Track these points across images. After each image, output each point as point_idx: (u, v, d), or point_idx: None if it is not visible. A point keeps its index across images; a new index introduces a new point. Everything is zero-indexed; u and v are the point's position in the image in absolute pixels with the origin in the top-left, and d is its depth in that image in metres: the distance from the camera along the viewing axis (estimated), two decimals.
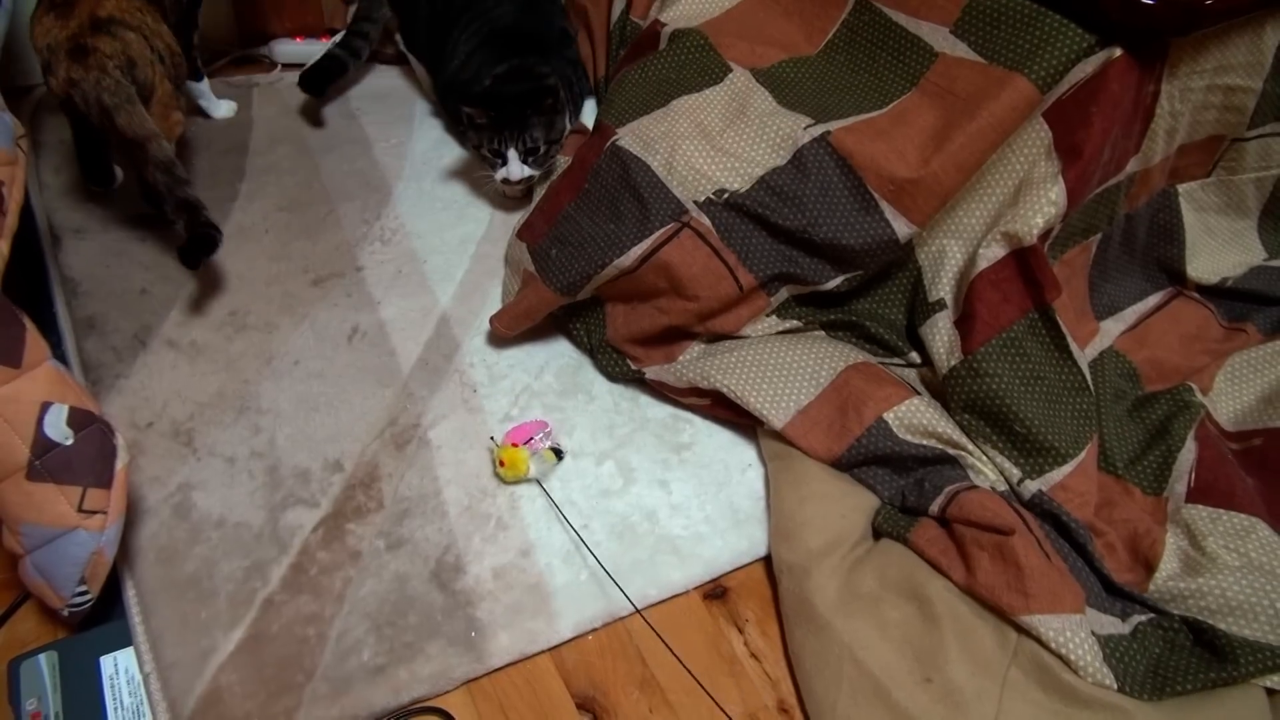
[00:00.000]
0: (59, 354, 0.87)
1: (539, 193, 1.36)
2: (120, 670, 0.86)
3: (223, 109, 1.52)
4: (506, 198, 1.44)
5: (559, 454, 1.08)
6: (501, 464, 1.04)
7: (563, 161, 1.37)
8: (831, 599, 0.92)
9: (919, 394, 1.08)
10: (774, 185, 1.10)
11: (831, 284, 1.14)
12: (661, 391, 1.17)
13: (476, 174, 1.44)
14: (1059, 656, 0.88)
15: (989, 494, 0.97)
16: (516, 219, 1.33)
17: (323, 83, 1.54)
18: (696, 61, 1.24)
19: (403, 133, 1.56)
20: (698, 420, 1.16)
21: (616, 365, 1.19)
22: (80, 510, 0.82)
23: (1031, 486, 1.01)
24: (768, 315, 1.17)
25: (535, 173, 1.34)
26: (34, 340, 0.82)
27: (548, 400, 1.16)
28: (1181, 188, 1.26)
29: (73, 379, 0.85)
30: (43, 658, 0.85)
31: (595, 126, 1.28)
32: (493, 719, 0.87)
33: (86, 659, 0.86)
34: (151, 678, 0.85)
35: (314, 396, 1.12)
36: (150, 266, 1.24)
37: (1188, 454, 1.07)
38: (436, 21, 1.49)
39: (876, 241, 1.09)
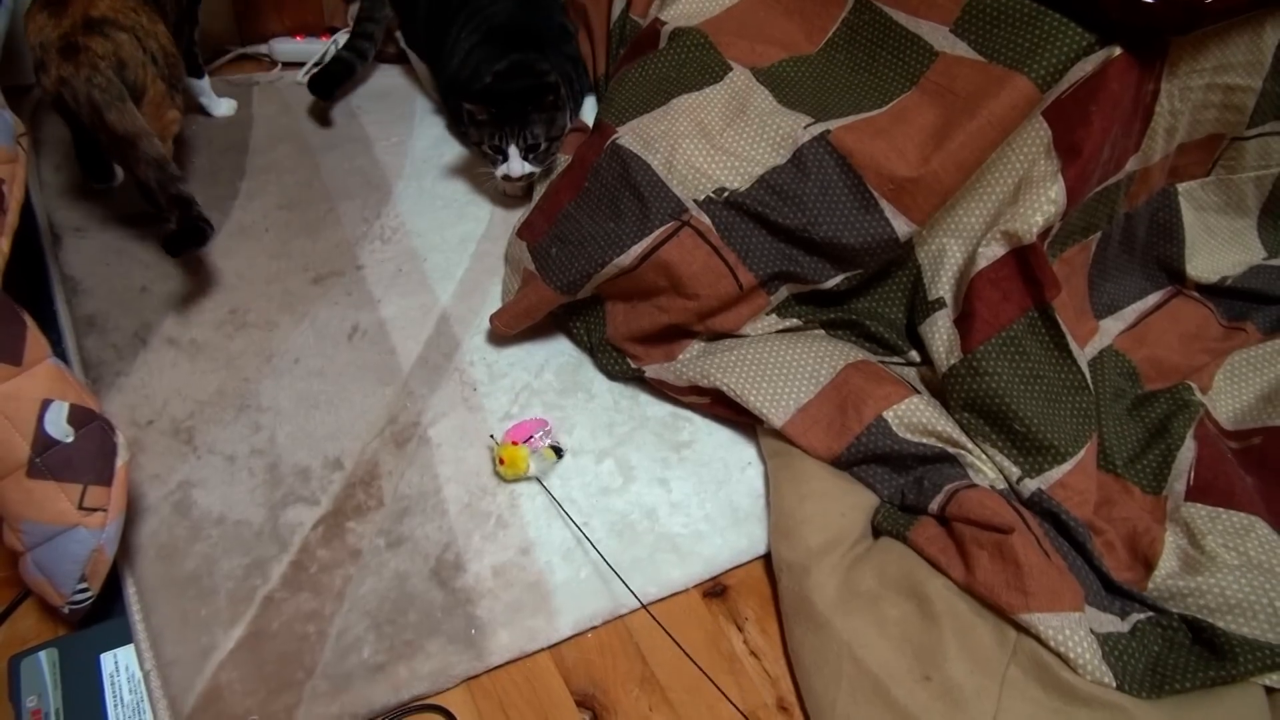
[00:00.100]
0: (59, 352, 0.87)
1: (539, 191, 1.36)
2: (120, 667, 0.86)
3: (223, 107, 1.52)
4: (507, 195, 1.44)
5: (559, 452, 1.08)
6: (501, 462, 1.04)
7: (563, 160, 1.37)
8: (831, 597, 0.92)
9: (918, 392, 1.08)
10: (774, 184, 1.10)
11: (831, 283, 1.14)
12: (661, 390, 1.17)
13: (477, 171, 1.44)
14: (1058, 655, 0.88)
15: (988, 492, 0.97)
16: (516, 218, 1.33)
17: (331, 86, 1.55)
18: (696, 60, 1.24)
19: (403, 131, 1.56)
20: (697, 419, 1.16)
21: (616, 363, 1.19)
22: (81, 508, 0.82)
23: (1031, 485, 1.01)
24: (767, 314, 1.17)
25: (536, 169, 1.34)
26: (34, 338, 0.82)
27: (548, 398, 1.16)
28: (1181, 186, 1.26)
29: (73, 377, 0.85)
30: (43, 655, 0.85)
31: (595, 125, 1.28)
32: (493, 717, 0.88)
33: (87, 656, 0.86)
34: (152, 675, 0.85)
35: (314, 394, 1.12)
36: (150, 264, 1.24)
37: (1187, 453, 1.07)
38: (435, 19, 1.49)
39: (876, 240, 1.09)
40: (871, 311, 1.19)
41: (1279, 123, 1.21)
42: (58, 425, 0.81)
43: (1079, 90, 1.04)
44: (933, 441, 1.04)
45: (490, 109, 1.29)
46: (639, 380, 1.19)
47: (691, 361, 1.13)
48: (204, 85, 1.48)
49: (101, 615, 0.90)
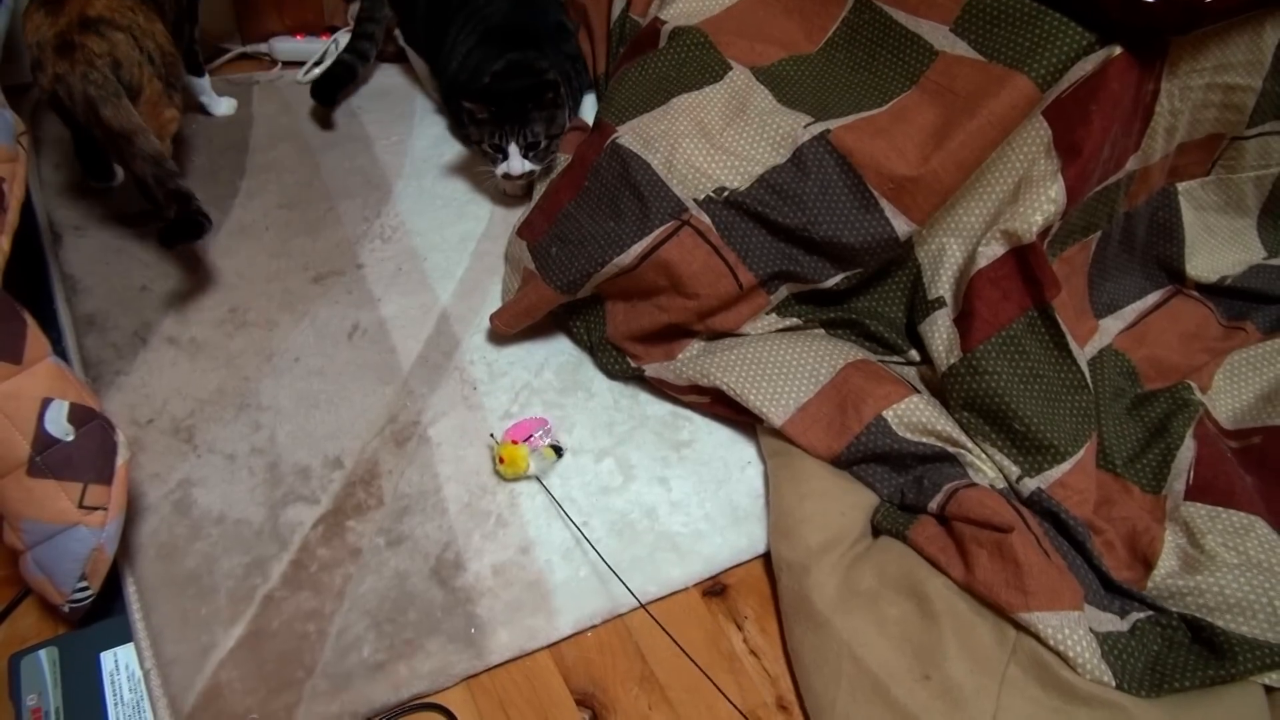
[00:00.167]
0: (59, 350, 0.87)
1: (539, 191, 1.36)
2: (120, 666, 0.86)
3: (223, 106, 1.52)
4: (507, 195, 1.44)
5: (559, 451, 1.08)
6: (501, 461, 1.04)
7: (562, 159, 1.37)
8: (830, 596, 0.92)
9: (918, 392, 1.08)
10: (774, 183, 1.10)
11: (831, 282, 1.14)
12: (661, 389, 1.17)
13: (477, 170, 1.44)
14: (1057, 654, 0.88)
15: (988, 491, 0.97)
16: (516, 217, 1.34)
17: (334, 90, 1.55)
18: (696, 59, 1.24)
19: (403, 130, 1.56)
20: (697, 418, 1.16)
21: (616, 363, 1.19)
22: (81, 506, 0.82)
23: (1030, 484, 1.01)
24: (767, 313, 1.17)
25: (536, 168, 1.34)
26: (35, 337, 0.82)
27: (547, 397, 1.16)
28: (1181, 186, 1.26)
29: (73, 375, 0.85)
30: (43, 653, 0.85)
31: (595, 124, 1.28)
32: (492, 715, 0.88)
33: (87, 655, 0.86)
34: (152, 674, 0.85)
35: (314, 393, 1.12)
36: (151, 263, 1.24)
37: (1187, 452, 1.07)
38: (434, 19, 1.49)
39: (876, 239, 1.09)
40: (871, 311, 1.19)
41: (1279, 122, 1.21)
42: (58, 424, 0.81)
43: (1079, 90, 1.04)
44: (932, 441, 1.04)
45: (490, 107, 1.29)
46: (639, 379, 1.19)
47: (691, 360, 1.13)
48: (204, 84, 1.48)
49: (102, 614, 0.90)
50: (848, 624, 0.90)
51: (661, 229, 1.11)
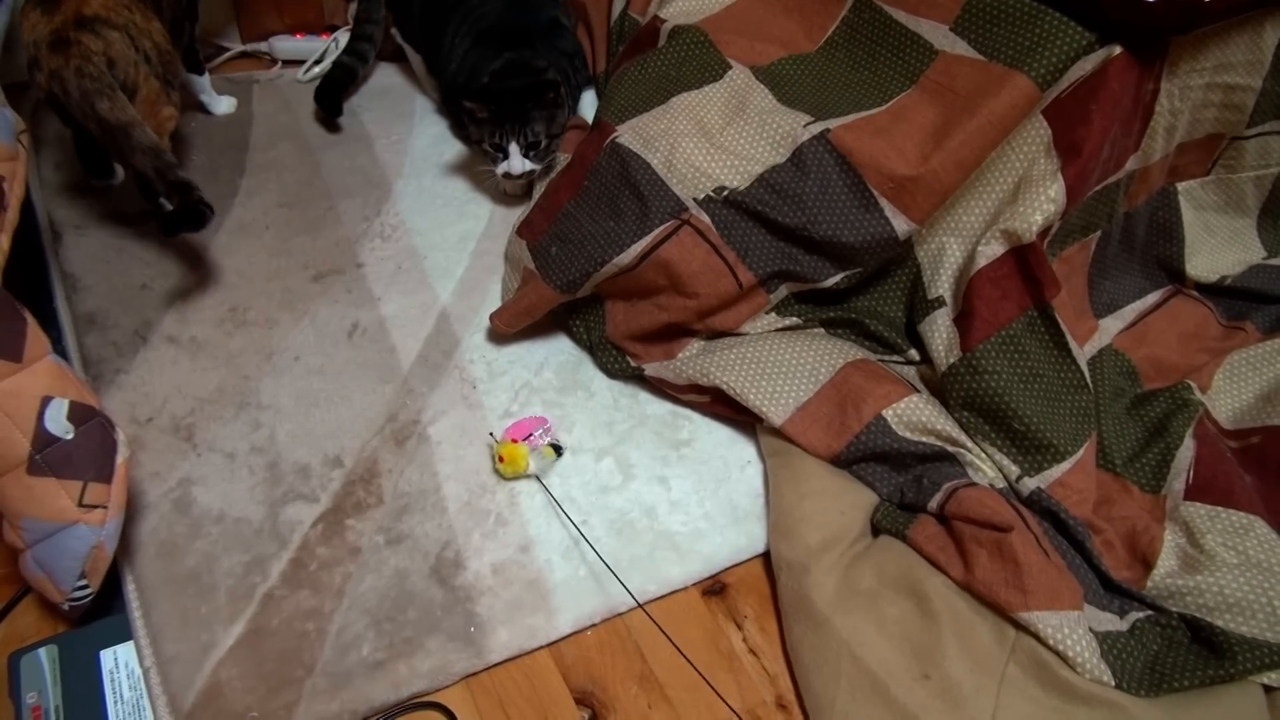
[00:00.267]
0: (60, 349, 0.87)
1: (538, 190, 1.36)
2: (120, 664, 0.86)
3: (223, 105, 1.52)
4: (507, 194, 1.44)
5: (558, 450, 1.08)
6: (501, 460, 1.04)
7: (562, 159, 1.37)
8: (830, 595, 0.92)
9: (918, 391, 1.08)
10: (773, 183, 1.10)
11: (831, 281, 1.14)
12: (661, 388, 1.17)
13: (477, 169, 1.44)
14: (1057, 653, 0.88)
15: (987, 491, 0.98)
16: (516, 216, 1.34)
17: (337, 96, 1.54)
18: (696, 58, 1.24)
19: (403, 129, 1.56)
20: (697, 417, 1.16)
21: (616, 362, 1.19)
22: (81, 505, 0.82)
23: (1030, 484, 1.01)
24: (767, 312, 1.17)
25: (537, 167, 1.34)
26: (35, 335, 0.82)
27: (547, 396, 1.16)
28: (1181, 186, 1.26)
29: (73, 374, 0.85)
30: (43, 652, 0.85)
31: (594, 123, 1.28)
32: (492, 714, 0.88)
33: (86, 653, 0.86)
34: (151, 672, 0.85)
35: (314, 392, 1.12)
36: (151, 262, 1.24)
37: (1186, 452, 1.07)
38: (429, 19, 1.50)
39: (876, 239, 1.09)
40: (871, 310, 1.19)
41: (1278, 122, 1.21)
42: (58, 422, 0.81)
43: (1079, 89, 1.04)
44: (932, 440, 1.04)
45: (490, 106, 1.29)
46: (638, 378, 1.19)
47: (691, 360, 1.13)
48: (204, 82, 1.48)
49: (101, 612, 0.90)
50: (847, 623, 0.90)
51: (661, 228, 1.11)
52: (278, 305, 1.22)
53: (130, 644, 0.87)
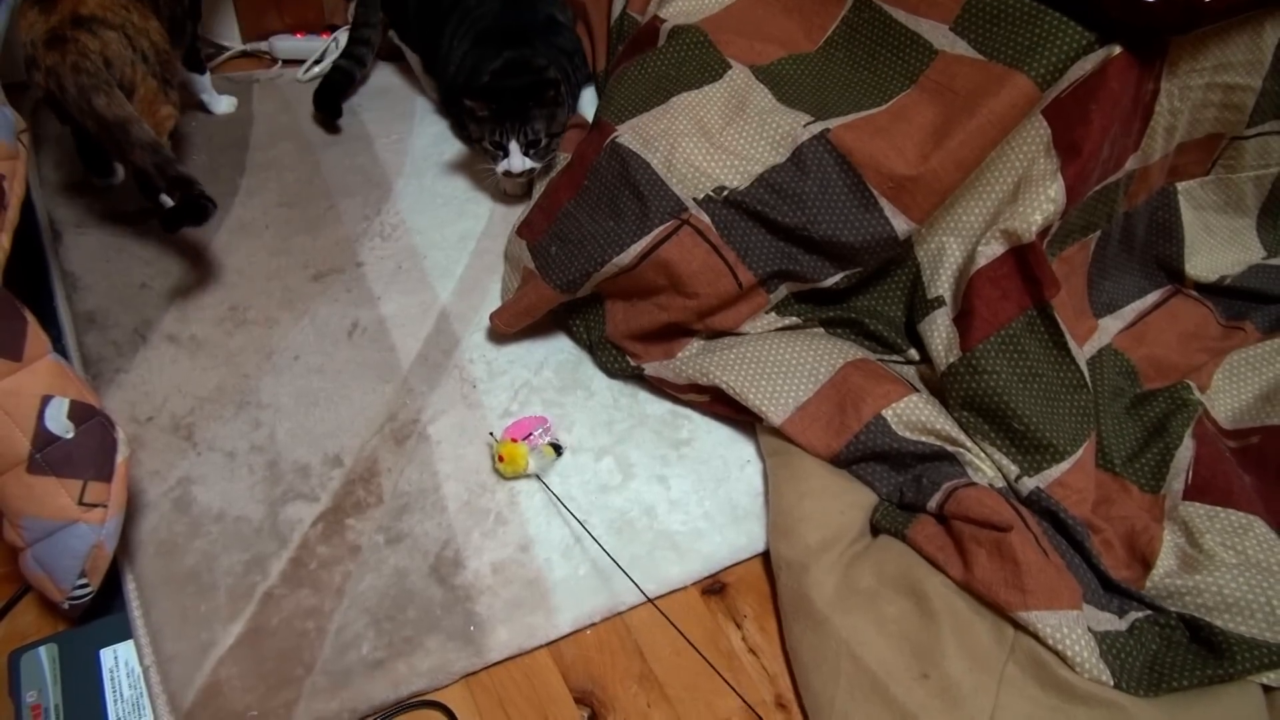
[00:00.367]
0: (60, 348, 0.87)
1: (538, 189, 1.36)
2: (120, 663, 0.86)
3: (223, 104, 1.52)
4: (507, 194, 1.44)
5: (558, 449, 1.08)
6: (501, 459, 1.04)
7: (562, 158, 1.37)
8: (829, 595, 0.92)
9: (918, 391, 1.08)
10: (773, 183, 1.10)
11: (831, 281, 1.14)
12: (660, 388, 1.17)
13: (478, 168, 1.44)
14: (1056, 653, 0.88)
15: (987, 491, 0.98)
16: (516, 215, 1.34)
17: (336, 100, 1.54)
18: (696, 58, 1.24)
19: (403, 129, 1.57)
20: (696, 416, 1.16)
21: (616, 361, 1.19)
22: (81, 503, 0.82)
23: (1029, 483, 1.01)
24: (767, 312, 1.18)
25: (537, 165, 1.34)
26: (35, 334, 0.82)
27: (547, 396, 1.16)
28: (1181, 186, 1.26)
29: (73, 373, 0.85)
30: (43, 650, 0.85)
31: (594, 123, 1.28)
32: (491, 713, 0.88)
33: (86, 652, 0.86)
34: (151, 670, 0.85)
35: (314, 391, 1.12)
36: (150, 261, 1.24)
37: (1185, 451, 1.07)
38: (426, 21, 1.50)
39: (875, 238, 1.09)
40: (871, 310, 1.19)
41: (1278, 122, 1.21)
42: (58, 421, 0.81)
43: (1079, 89, 1.04)
44: (931, 440, 1.04)
45: (490, 105, 1.29)
46: (638, 378, 1.19)
47: (691, 359, 1.13)
48: (205, 81, 1.48)
49: (101, 611, 0.90)
50: (846, 622, 0.90)
51: (661, 228, 1.11)
52: (278, 304, 1.22)
53: (130, 643, 0.88)
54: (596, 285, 1.17)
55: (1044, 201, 1.03)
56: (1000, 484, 1.03)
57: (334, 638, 0.90)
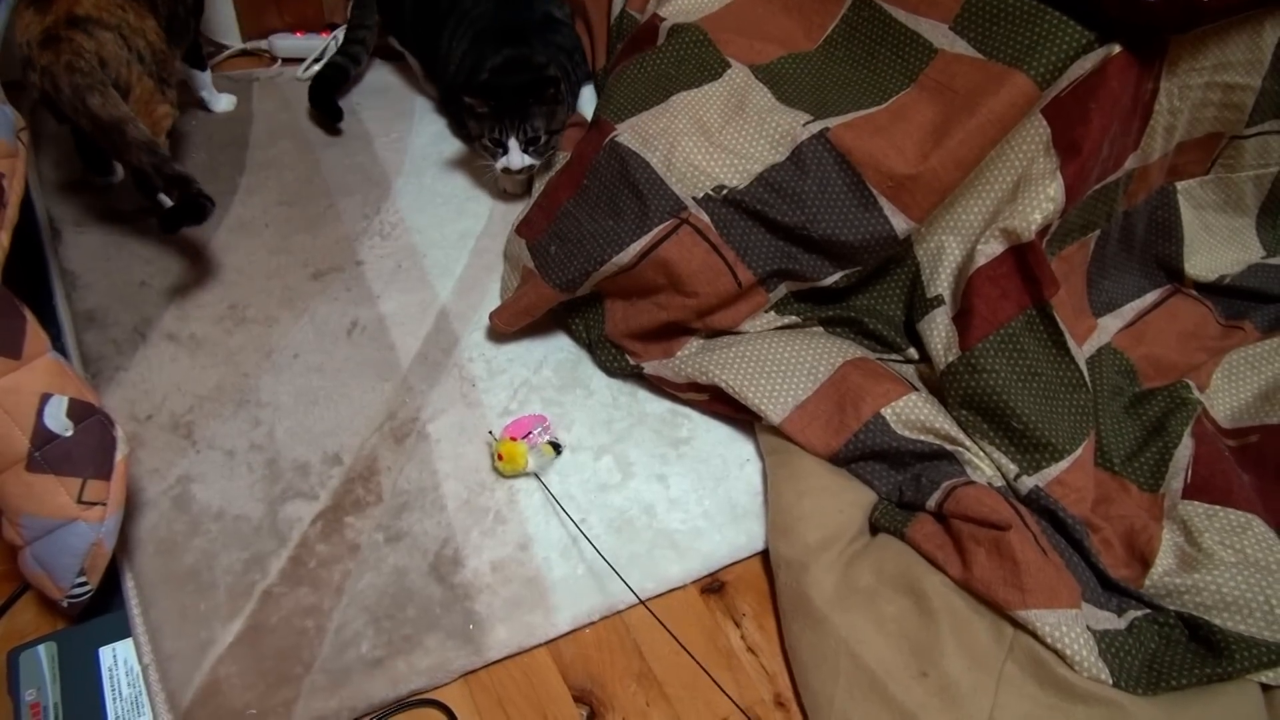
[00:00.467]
0: (59, 346, 0.87)
1: (538, 188, 1.36)
2: (119, 661, 0.86)
3: (222, 103, 1.52)
4: (507, 192, 1.44)
5: (557, 448, 1.08)
6: (500, 458, 1.04)
7: (561, 157, 1.37)
8: (829, 593, 0.92)
9: (917, 390, 1.08)
10: (773, 182, 1.10)
11: (830, 280, 1.14)
12: (660, 386, 1.17)
13: (477, 163, 1.44)
14: (1055, 651, 0.88)
15: (986, 489, 0.98)
16: (516, 214, 1.34)
17: (330, 97, 1.53)
18: (695, 57, 1.24)
19: (403, 128, 1.56)
20: (696, 415, 1.16)
21: (615, 360, 1.19)
22: (80, 502, 0.82)
23: (1028, 482, 1.02)
24: (766, 311, 1.18)
25: (536, 162, 1.34)
26: (34, 332, 0.82)
27: (546, 395, 1.16)
28: (1180, 185, 1.26)
29: (73, 371, 0.85)
30: (42, 648, 0.85)
31: (594, 122, 1.28)
32: (490, 711, 0.88)
33: (85, 650, 0.86)
34: (150, 669, 0.85)
35: (313, 390, 1.12)
36: (150, 260, 1.24)
37: (1185, 450, 1.07)
38: (422, 23, 1.50)
39: (875, 237, 1.09)
40: (870, 309, 1.19)
41: (1278, 121, 1.21)
42: (57, 419, 0.81)
43: (1078, 88, 1.04)
44: (931, 439, 1.04)
45: (489, 102, 1.29)
46: (638, 377, 1.19)
47: (690, 358, 1.13)
48: (205, 79, 1.48)
49: (100, 609, 0.90)
50: (846, 621, 0.90)
51: (660, 227, 1.11)
52: (277, 303, 1.22)
53: (129, 641, 0.88)
54: (596, 284, 1.17)
55: (1043, 200, 1.03)
56: (999, 483, 1.03)
57: (333, 636, 0.90)
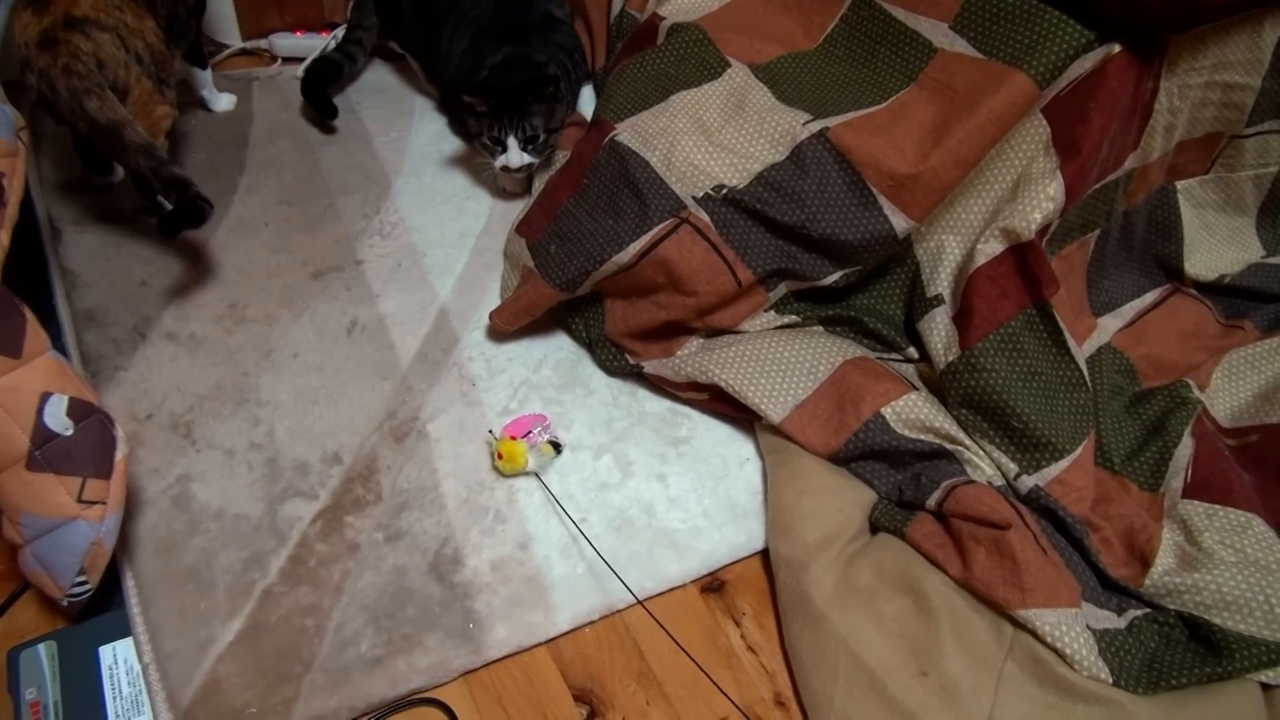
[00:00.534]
0: (59, 345, 0.87)
1: (538, 187, 1.36)
2: (119, 660, 0.86)
3: (222, 102, 1.52)
4: (507, 191, 1.44)
5: (557, 447, 1.08)
6: (500, 457, 1.04)
7: (561, 157, 1.37)
8: (828, 593, 0.92)
9: (917, 389, 1.08)
10: (772, 181, 1.10)
11: (830, 279, 1.14)
12: (660, 386, 1.17)
13: (477, 162, 1.44)
14: (1054, 650, 0.88)
15: (986, 489, 0.98)
16: (515, 213, 1.34)
17: (322, 89, 1.53)
18: (695, 56, 1.24)
19: (402, 127, 1.56)
20: (696, 414, 1.16)
21: (615, 360, 1.19)
22: (80, 501, 0.82)
23: (1028, 481, 1.02)
24: (766, 310, 1.18)
25: (535, 160, 1.34)
26: (34, 331, 0.82)
27: (546, 394, 1.16)
28: (1180, 184, 1.26)
29: (72, 370, 0.85)
30: (42, 647, 0.85)
31: (593, 121, 1.28)
32: (490, 710, 0.88)
33: (85, 649, 0.86)
34: (150, 668, 0.85)
35: (313, 389, 1.12)
36: (150, 259, 1.24)
37: (1184, 450, 1.07)
38: (422, 25, 1.50)
39: (875, 237, 1.09)
40: (870, 308, 1.19)
41: (1278, 121, 1.21)
42: (57, 418, 0.81)
43: (1078, 87, 1.04)
44: (930, 438, 1.04)
45: (489, 100, 1.29)
46: (637, 376, 1.19)
47: (690, 357, 1.13)
48: (206, 77, 1.47)
49: (100, 608, 0.90)
50: (845, 620, 0.90)
51: (660, 226, 1.11)
52: (277, 302, 1.22)
53: (129, 640, 0.88)
54: (596, 283, 1.17)
55: (1043, 200, 1.03)
56: (999, 482, 1.03)
57: (333, 635, 0.90)
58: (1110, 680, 0.87)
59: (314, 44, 1.66)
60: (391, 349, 1.18)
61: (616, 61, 1.39)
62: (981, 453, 1.05)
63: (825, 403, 1.07)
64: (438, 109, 1.61)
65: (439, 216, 1.39)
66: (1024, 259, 1.04)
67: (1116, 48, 1.02)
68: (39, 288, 1.18)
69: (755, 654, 0.95)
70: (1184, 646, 0.90)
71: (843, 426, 1.05)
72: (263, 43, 1.70)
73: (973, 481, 0.99)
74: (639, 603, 0.96)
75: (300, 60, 1.66)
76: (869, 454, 1.05)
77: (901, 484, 1.04)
